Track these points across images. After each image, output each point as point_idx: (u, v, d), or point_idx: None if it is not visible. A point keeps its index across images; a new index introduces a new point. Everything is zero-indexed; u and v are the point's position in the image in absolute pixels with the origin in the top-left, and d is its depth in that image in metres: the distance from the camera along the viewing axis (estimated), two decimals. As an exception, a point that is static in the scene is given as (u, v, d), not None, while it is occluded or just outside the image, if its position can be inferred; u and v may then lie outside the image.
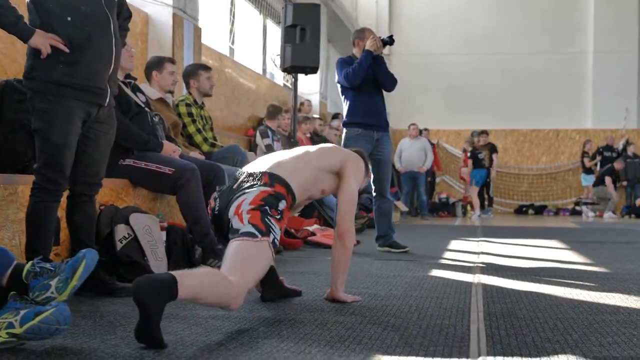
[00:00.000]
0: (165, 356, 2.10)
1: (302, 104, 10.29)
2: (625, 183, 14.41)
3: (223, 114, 8.71)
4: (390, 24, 16.96)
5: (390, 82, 5.65)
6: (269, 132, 7.77)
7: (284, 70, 6.83)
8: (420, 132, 13.10)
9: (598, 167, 15.06)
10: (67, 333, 2.36)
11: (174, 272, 2.30)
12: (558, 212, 15.58)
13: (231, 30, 9.86)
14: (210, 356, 2.13)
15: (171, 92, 5.29)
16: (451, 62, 16.85)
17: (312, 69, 6.65)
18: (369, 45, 5.50)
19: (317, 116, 10.37)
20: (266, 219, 2.69)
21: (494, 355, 2.21)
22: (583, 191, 15.57)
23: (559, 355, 2.20)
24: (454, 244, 6.59)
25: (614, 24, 16.28)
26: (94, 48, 3.02)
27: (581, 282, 3.93)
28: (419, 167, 12.31)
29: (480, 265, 4.78)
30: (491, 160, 13.67)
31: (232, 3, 9.84)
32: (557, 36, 16.65)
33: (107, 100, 3.16)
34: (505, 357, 2.18)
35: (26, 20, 3.00)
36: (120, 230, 3.74)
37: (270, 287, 3.17)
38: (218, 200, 2.85)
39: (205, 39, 7.75)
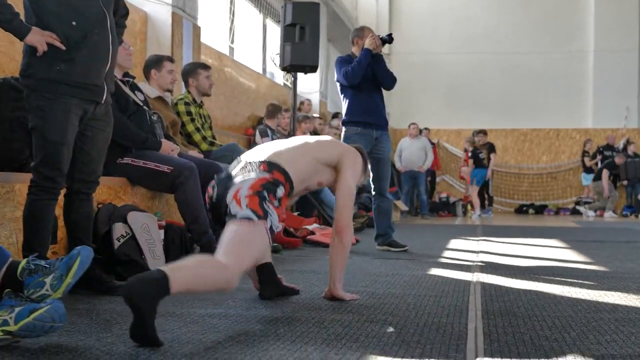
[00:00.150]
0: (161, 354, 2.09)
1: (301, 103, 10.28)
2: (625, 182, 14.38)
3: (223, 113, 8.70)
4: (390, 23, 16.95)
5: (389, 81, 5.64)
6: (269, 131, 7.77)
7: (284, 69, 6.81)
8: (421, 131, 13.10)
9: (598, 167, 15.03)
10: (63, 331, 2.35)
11: (164, 267, 2.28)
12: (558, 212, 15.56)
13: (231, 29, 9.85)
14: (206, 354, 2.11)
15: (170, 91, 5.29)
16: (451, 61, 16.83)
17: (312, 68, 6.64)
18: (368, 43, 5.49)
19: (317, 115, 10.35)
20: (264, 204, 2.70)
21: (491, 353, 2.20)
22: (583, 190, 15.56)
23: (557, 353, 2.19)
24: (454, 243, 6.58)
25: (615, 23, 16.27)
26: (90, 45, 3.01)
27: (580, 281, 3.92)
28: (419, 166, 12.30)
29: (479, 264, 4.77)
30: (489, 159, 13.67)
31: (231, 2, 9.83)
32: (558, 35, 16.63)
33: (104, 97, 3.15)
34: (503, 355, 2.17)
35: (22, 17, 2.99)
36: (118, 229, 3.74)
37: (268, 286, 3.16)
38: (216, 188, 2.84)
39: (204, 38, 7.74)
